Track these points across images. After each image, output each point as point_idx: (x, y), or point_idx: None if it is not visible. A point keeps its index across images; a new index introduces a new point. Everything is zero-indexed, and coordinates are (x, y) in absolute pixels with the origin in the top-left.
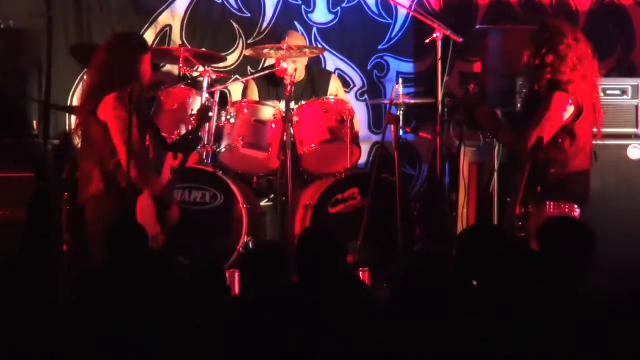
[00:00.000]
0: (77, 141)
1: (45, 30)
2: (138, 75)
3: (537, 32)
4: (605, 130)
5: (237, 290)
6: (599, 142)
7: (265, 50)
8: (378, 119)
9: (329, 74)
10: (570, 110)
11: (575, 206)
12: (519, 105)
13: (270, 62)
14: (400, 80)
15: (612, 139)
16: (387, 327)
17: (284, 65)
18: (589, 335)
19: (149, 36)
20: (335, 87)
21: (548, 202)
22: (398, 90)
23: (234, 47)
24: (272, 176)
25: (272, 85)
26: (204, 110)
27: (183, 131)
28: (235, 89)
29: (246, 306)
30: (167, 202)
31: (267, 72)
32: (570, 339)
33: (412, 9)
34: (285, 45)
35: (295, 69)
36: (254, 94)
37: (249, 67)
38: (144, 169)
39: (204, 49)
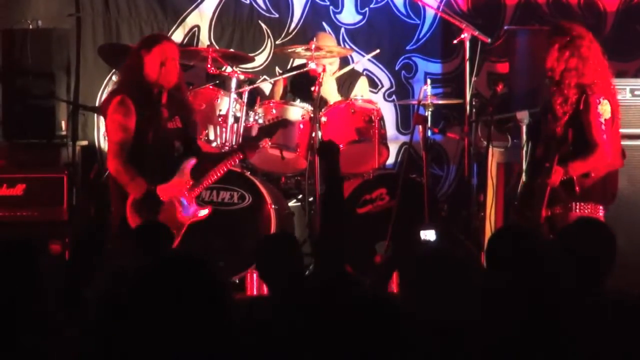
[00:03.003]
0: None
1: (73, 30)
2: (139, 74)
3: (556, 35)
4: (633, 130)
5: (265, 290)
6: (627, 143)
7: (294, 50)
8: (406, 119)
9: (358, 74)
10: (608, 110)
11: (601, 207)
12: (541, 107)
13: (297, 62)
14: (428, 81)
15: None
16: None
17: (312, 65)
18: (621, 334)
19: (178, 37)
20: (361, 87)
21: (574, 203)
22: (426, 91)
23: (262, 47)
24: (300, 176)
25: (299, 85)
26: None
27: (211, 131)
28: (266, 89)
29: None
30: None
31: (295, 72)
32: (602, 339)
33: (440, 9)
34: (313, 46)
35: (324, 70)
36: (279, 94)
37: (277, 68)
38: (124, 170)
39: (232, 50)
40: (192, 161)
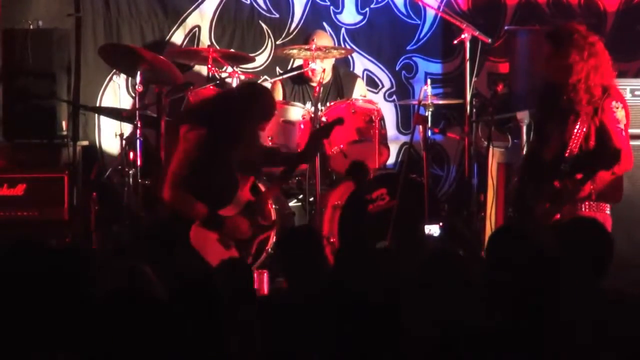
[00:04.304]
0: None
1: (74, 31)
2: (243, 137)
3: (571, 37)
4: (633, 130)
5: (265, 290)
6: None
7: (294, 51)
8: (406, 119)
9: (355, 77)
10: (624, 115)
11: (608, 205)
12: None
13: (298, 62)
14: (429, 81)
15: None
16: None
17: (313, 65)
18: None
19: (178, 37)
20: (359, 91)
21: (583, 203)
22: (426, 91)
23: (262, 47)
24: (301, 176)
25: (298, 85)
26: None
27: None
28: None
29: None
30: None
31: (296, 72)
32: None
33: (441, 9)
34: (314, 46)
35: (324, 70)
36: (279, 95)
37: (277, 68)
38: (181, 201)
39: (232, 50)
40: (250, 180)
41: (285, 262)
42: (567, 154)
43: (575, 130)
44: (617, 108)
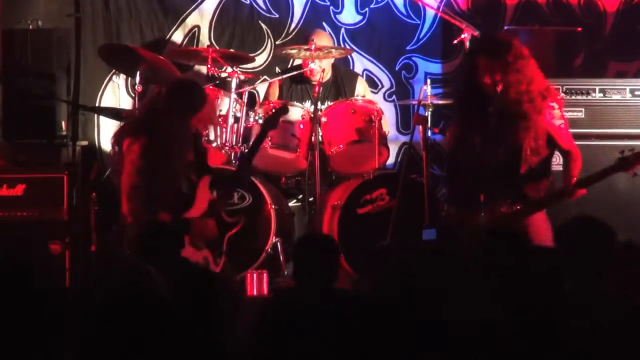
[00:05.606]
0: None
1: (73, 31)
2: (179, 132)
3: (502, 53)
4: (633, 130)
5: (265, 290)
6: (627, 143)
7: (294, 51)
8: (406, 119)
9: (356, 75)
10: (559, 114)
11: None
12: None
13: (297, 62)
14: (428, 81)
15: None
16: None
17: (312, 65)
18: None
19: (178, 37)
20: (361, 89)
21: None
22: (426, 91)
23: (262, 47)
24: (300, 177)
25: (297, 85)
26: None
27: (211, 132)
28: (263, 90)
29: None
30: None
31: (295, 72)
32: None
33: (440, 9)
34: (313, 46)
35: (323, 70)
36: (275, 95)
37: (277, 68)
38: (141, 213)
39: (232, 50)
40: (207, 179)
41: (301, 267)
42: (522, 161)
43: (525, 137)
44: (554, 108)
